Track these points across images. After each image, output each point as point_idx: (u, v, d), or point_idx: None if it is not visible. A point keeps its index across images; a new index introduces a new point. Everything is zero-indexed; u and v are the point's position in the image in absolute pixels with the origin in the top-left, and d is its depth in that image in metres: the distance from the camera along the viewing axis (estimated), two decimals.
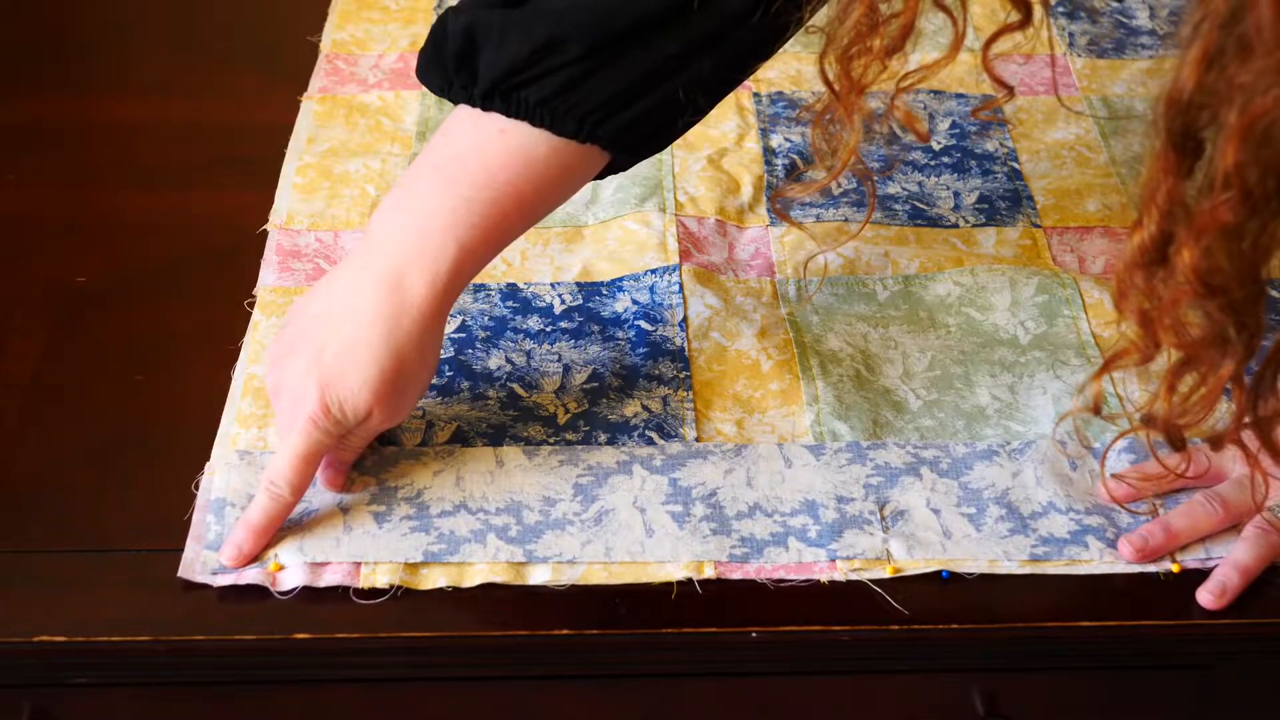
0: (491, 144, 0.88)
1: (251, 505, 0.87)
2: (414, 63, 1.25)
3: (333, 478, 0.90)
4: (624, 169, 0.94)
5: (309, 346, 0.87)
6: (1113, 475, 0.89)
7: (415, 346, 0.87)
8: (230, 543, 0.86)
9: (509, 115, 0.87)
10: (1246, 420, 0.78)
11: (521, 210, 0.89)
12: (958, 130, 1.20)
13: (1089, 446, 0.94)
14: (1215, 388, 0.77)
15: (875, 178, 1.14)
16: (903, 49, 0.86)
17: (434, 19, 1.31)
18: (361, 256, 0.89)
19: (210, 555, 0.87)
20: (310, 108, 1.21)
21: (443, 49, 0.89)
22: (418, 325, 0.86)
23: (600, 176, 0.93)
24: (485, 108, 0.88)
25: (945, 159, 1.17)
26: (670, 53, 0.87)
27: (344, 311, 0.87)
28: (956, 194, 1.14)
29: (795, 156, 1.17)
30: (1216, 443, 0.81)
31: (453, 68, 0.88)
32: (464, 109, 0.89)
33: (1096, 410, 0.85)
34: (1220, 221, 0.70)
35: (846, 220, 1.11)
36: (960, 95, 1.24)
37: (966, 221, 1.12)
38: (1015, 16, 0.90)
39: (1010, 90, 0.96)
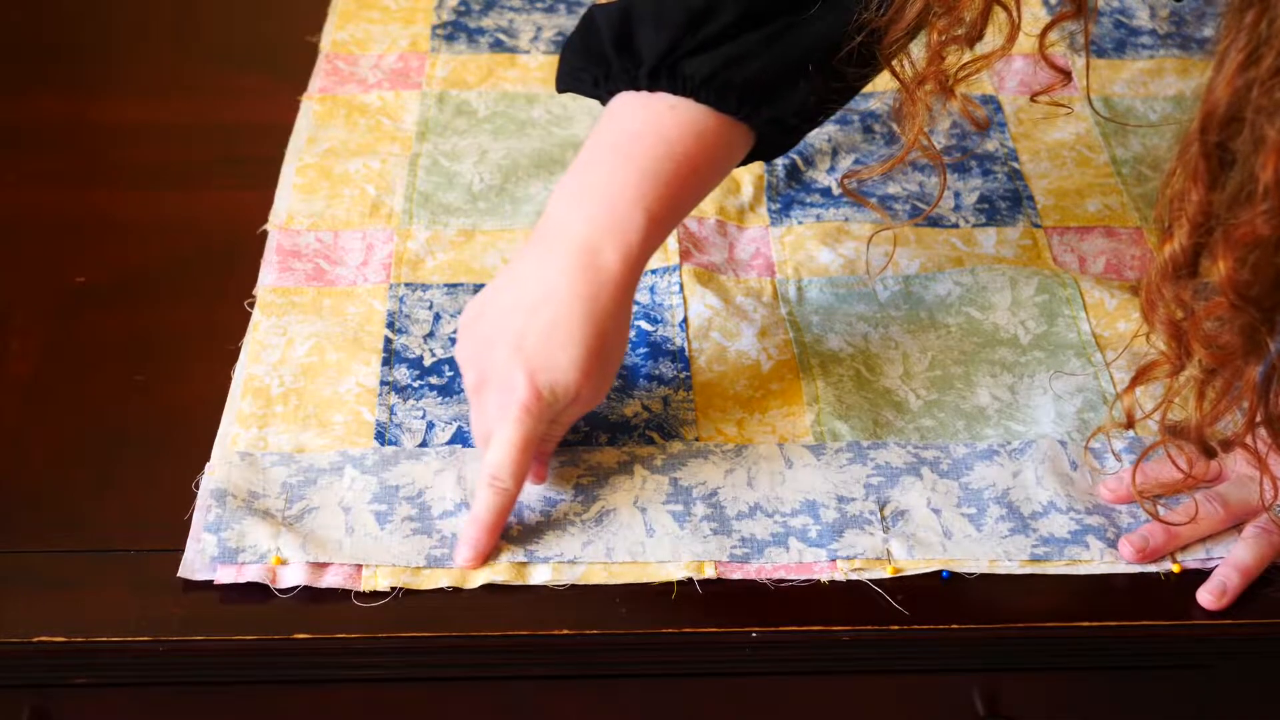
0: (665, 119, 0.90)
1: (477, 503, 0.87)
2: (414, 63, 1.26)
3: (538, 470, 0.90)
4: (765, 158, 0.96)
5: (507, 337, 0.87)
6: (1132, 487, 0.88)
7: (614, 320, 0.88)
8: (465, 543, 0.86)
9: (676, 92, 0.89)
10: (1258, 420, 0.78)
11: (697, 182, 0.91)
12: (958, 130, 1.20)
13: (1114, 456, 0.93)
14: (1244, 392, 0.77)
15: (946, 163, 1.15)
16: (977, 38, 0.88)
17: (434, 19, 1.31)
18: (545, 242, 0.89)
19: (210, 539, 0.87)
20: (310, 108, 1.21)
21: (595, 40, 0.91)
22: (614, 299, 0.88)
23: (743, 163, 0.95)
24: (651, 87, 0.90)
25: (946, 159, 1.17)
26: (813, 40, 0.89)
27: (539, 297, 0.87)
28: (957, 194, 1.14)
29: (795, 156, 1.16)
30: (1228, 445, 0.81)
31: (613, 53, 0.90)
32: (625, 95, 0.91)
33: (1130, 425, 0.85)
34: (1258, 234, 0.70)
35: (847, 220, 1.11)
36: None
37: (967, 221, 1.12)
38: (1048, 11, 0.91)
39: (1068, 76, 0.96)
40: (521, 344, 0.87)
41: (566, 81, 0.96)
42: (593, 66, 0.92)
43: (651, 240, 0.89)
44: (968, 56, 0.91)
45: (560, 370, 0.86)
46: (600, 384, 0.89)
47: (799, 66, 0.90)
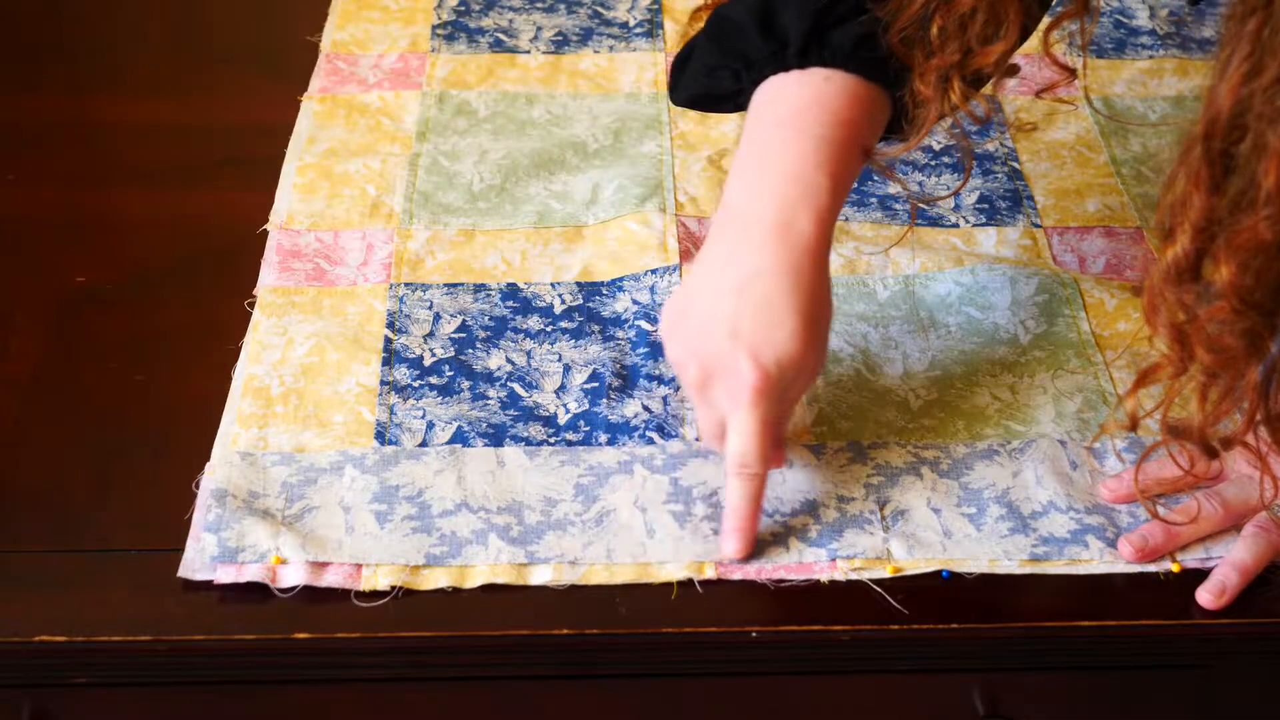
0: (825, 89, 0.90)
1: (732, 494, 0.87)
2: (414, 62, 1.26)
3: (776, 454, 0.90)
4: (899, 138, 0.96)
5: (721, 324, 0.87)
6: (1134, 486, 0.88)
7: (819, 284, 0.88)
8: (730, 536, 0.87)
9: (828, 65, 0.90)
10: (1259, 419, 0.78)
11: (860, 149, 0.91)
12: (957, 130, 1.20)
13: (1115, 457, 0.93)
14: (1246, 393, 0.77)
15: (956, 158, 1.16)
16: (997, 30, 0.88)
17: (434, 18, 1.31)
18: (735, 226, 0.89)
19: (210, 539, 0.87)
20: (310, 108, 1.21)
21: (732, 35, 0.92)
22: (816, 265, 0.88)
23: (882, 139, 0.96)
24: (802, 65, 0.90)
25: (945, 159, 1.17)
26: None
27: (744, 278, 0.87)
28: (957, 194, 1.14)
29: None
30: (1228, 443, 0.81)
31: (759, 42, 0.91)
32: (775, 79, 0.91)
33: (1133, 427, 0.85)
34: (1260, 239, 0.71)
35: (847, 220, 1.11)
36: None
37: (967, 221, 1.12)
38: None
39: (1072, 73, 0.96)
40: (737, 328, 0.87)
41: (697, 84, 0.95)
42: (732, 60, 0.93)
43: (836, 204, 0.89)
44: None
45: (781, 345, 0.86)
46: (820, 352, 0.89)
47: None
